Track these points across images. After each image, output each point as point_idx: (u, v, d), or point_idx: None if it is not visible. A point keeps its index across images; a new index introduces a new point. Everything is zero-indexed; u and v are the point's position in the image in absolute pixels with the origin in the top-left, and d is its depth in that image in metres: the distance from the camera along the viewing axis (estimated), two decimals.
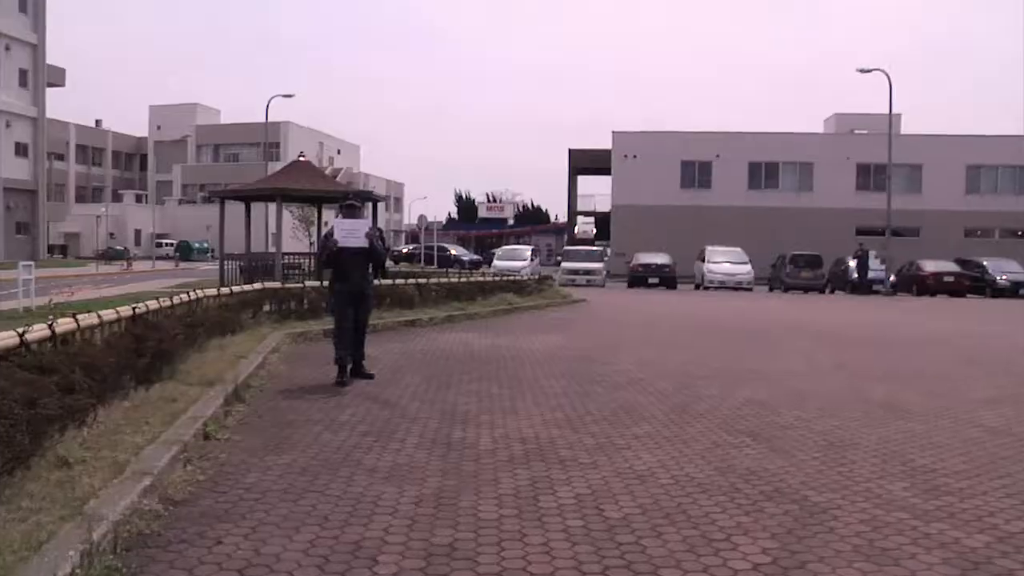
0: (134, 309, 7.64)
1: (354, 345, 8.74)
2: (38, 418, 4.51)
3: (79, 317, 6.44)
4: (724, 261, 36.04)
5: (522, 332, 14.42)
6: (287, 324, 12.83)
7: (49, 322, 5.91)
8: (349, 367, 8.69)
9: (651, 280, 36.31)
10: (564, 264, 37.37)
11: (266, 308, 13.22)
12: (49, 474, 4.42)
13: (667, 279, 36.05)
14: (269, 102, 44.09)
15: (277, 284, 13.85)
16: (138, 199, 75.35)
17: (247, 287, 12.65)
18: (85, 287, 28.99)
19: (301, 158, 24.36)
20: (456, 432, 6.34)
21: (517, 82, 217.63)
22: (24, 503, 3.95)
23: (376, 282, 17.69)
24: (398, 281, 17.06)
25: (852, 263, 34.28)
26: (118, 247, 60.28)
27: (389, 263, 34.08)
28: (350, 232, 8.58)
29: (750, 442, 6.17)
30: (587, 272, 36.10)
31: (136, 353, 6.94)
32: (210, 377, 7.55)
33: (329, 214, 28.39)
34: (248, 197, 24.55)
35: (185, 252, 62.69)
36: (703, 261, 36.60)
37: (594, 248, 41.37)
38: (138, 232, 71.55)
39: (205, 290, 11.07)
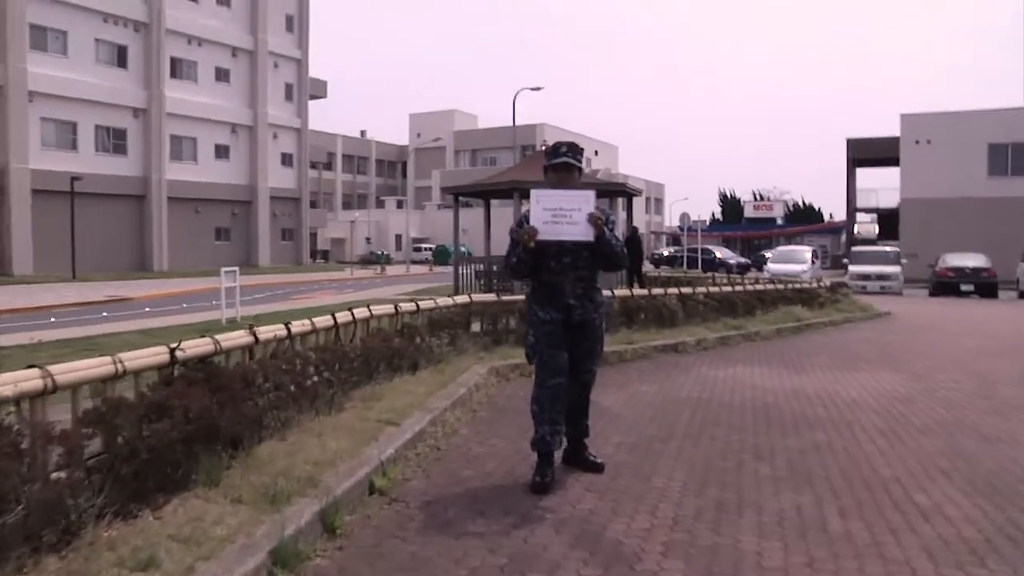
0: (172, 352, 4.31)
1: (570, 415, 4.96)
2: None
3: None
4: None
5: (829, 365, 10.07)
6: (499, 351, 9.32)
7: None
8: (561, 450, 4.99)
9: (963, 287, 29.76)
10: (852, 268, 31.68)
11: (475, 328, 9.84)
12: None
13: (985, 286, 29.30)
14: (516, 95, 41.66)
15: (490, 297, 10.40)
16: (399, 205, 76.25)
17: (444, 302, 9.27)
18: (326, 292, 27.73)
19: (543, 148, 21.26)
20: None
21: (785, 73, 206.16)
22: None
23: (627, 292, 13.96)
24: (655, 291, 13.17)
25: None
26: (377, 251, 60.83)
27: (647, 267, 28.72)
28: (560, 213, 4.71)
29: None
30: (881, 276, 30.35)
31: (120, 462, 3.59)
32: (294, 477, 4.09)
33: None
34: (484, 193, 21.72)
35: (441, 256, 62.14)
36: None
37: (888, 249, 35.09)
38: (398, 237, 72.35)
39: (378, 307, 7.78)
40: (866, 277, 30.30)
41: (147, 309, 20.45)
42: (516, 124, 44.73)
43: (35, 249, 37.60)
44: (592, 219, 4.67)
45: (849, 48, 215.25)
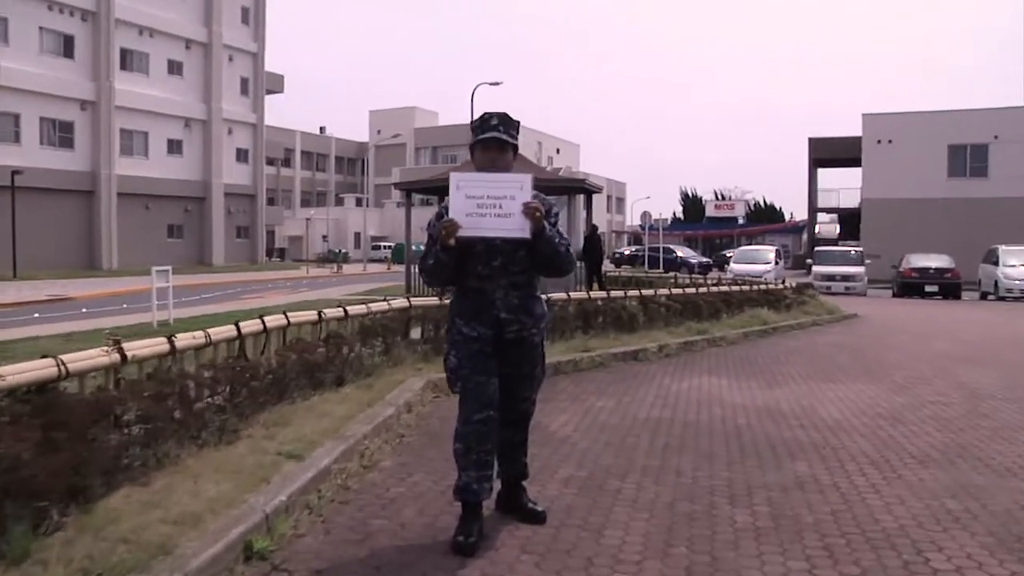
0: None
1: (504, 453, 4.02)
2: None
3: None
4: None
5: (802, 375, 9.26)
6: (440, 362, 8.34)
7: None
8: (496, 493, 4.05)
9: (927, 288, 29.33)
10: (817, 268, 31.23)
11: (416, 335, 8.91)
12: None
13: (948, 287, 28.92)
14: (474, 91, 40.68)
15: (432, 300, 9.47)
16: (358, 202, 74.91)
17: (378, 307, 8.33)
18: (279, 291, 26.68)
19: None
20: None
21: (747, 72, 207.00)
22: None
23: (584, 294, 12.95)
24: (615, 294, 12.32)
25: None
26: (334, 250, 59.68)
27: (607, 266, 27.41)
28: (487, 203, 3.72)
29: None
30: (845, 277, 29.97)
31: None
32: (141, 542, 3.15)
33: None
34: (438, 189, 20.78)
35: (399, 255, 61.03)
36: (994, 264, 29.13)
37: (852, 249, 34.71)
38: (357, 235, 71.12)
39: (296, 314, 6.84)
40: (831, 278, 29.90)
41: (84, 310, 19.38)
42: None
43: None
44: (529, 211, 3.69)
45: (833, 51, 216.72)
